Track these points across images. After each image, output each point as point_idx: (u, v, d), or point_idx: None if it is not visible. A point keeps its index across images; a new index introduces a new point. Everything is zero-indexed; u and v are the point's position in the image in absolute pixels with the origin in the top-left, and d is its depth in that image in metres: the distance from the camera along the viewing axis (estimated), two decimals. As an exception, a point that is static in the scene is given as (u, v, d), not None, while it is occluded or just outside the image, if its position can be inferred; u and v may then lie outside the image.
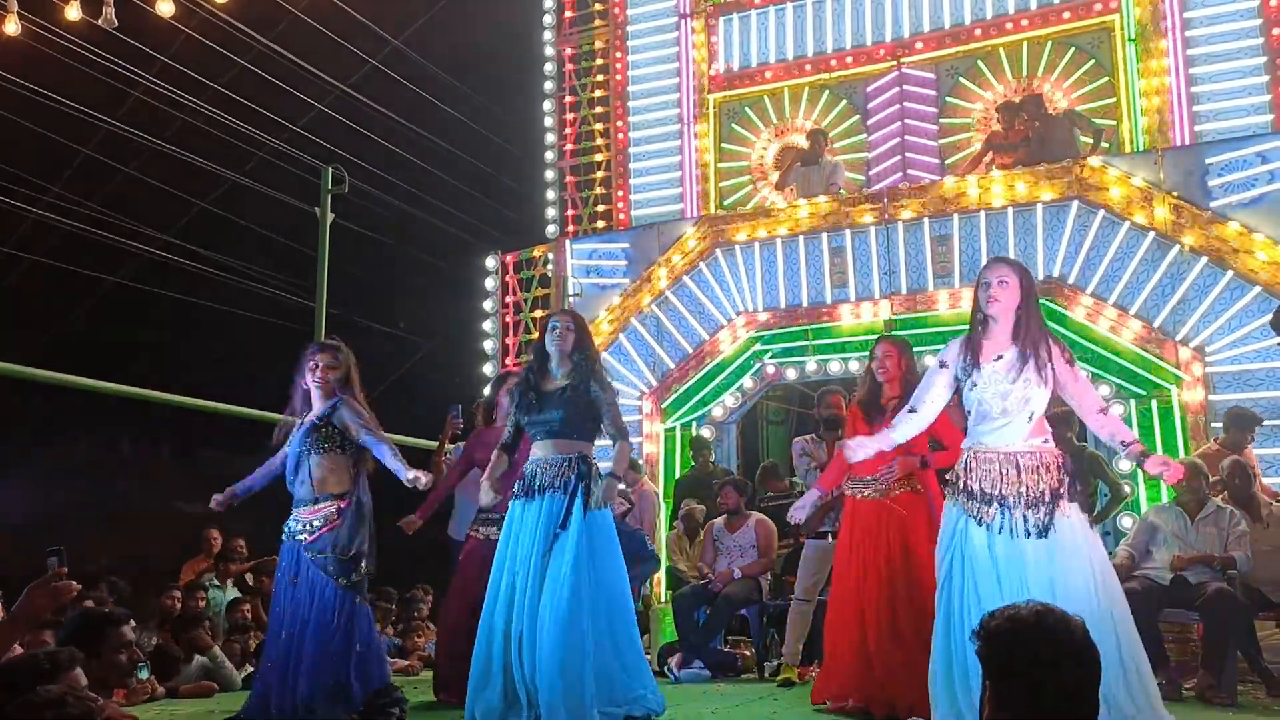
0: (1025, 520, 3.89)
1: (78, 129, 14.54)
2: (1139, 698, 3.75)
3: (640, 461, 9.07)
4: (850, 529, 5.10)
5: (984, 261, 8.45)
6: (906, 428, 4.27)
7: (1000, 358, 4.03)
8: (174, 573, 8.43)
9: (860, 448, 4.28)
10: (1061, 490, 3.93)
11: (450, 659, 5.56)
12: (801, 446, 6.65)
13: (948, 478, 4.23)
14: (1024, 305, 4.06)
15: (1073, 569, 3.83)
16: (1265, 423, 7.33)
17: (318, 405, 5.01)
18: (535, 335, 10.03)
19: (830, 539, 6.31)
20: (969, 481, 4.02)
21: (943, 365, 4.18)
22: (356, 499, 4.91)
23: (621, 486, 4.87)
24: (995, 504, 3.93)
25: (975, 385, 4.04)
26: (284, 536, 4.99)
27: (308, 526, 4.89)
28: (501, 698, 4.40)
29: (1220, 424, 7.68)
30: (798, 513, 5.27)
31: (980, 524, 3.94)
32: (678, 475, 9.34)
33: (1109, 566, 3.99)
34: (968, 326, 4.23)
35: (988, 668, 2.21)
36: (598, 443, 4.81)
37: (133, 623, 4.52)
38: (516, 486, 4.72)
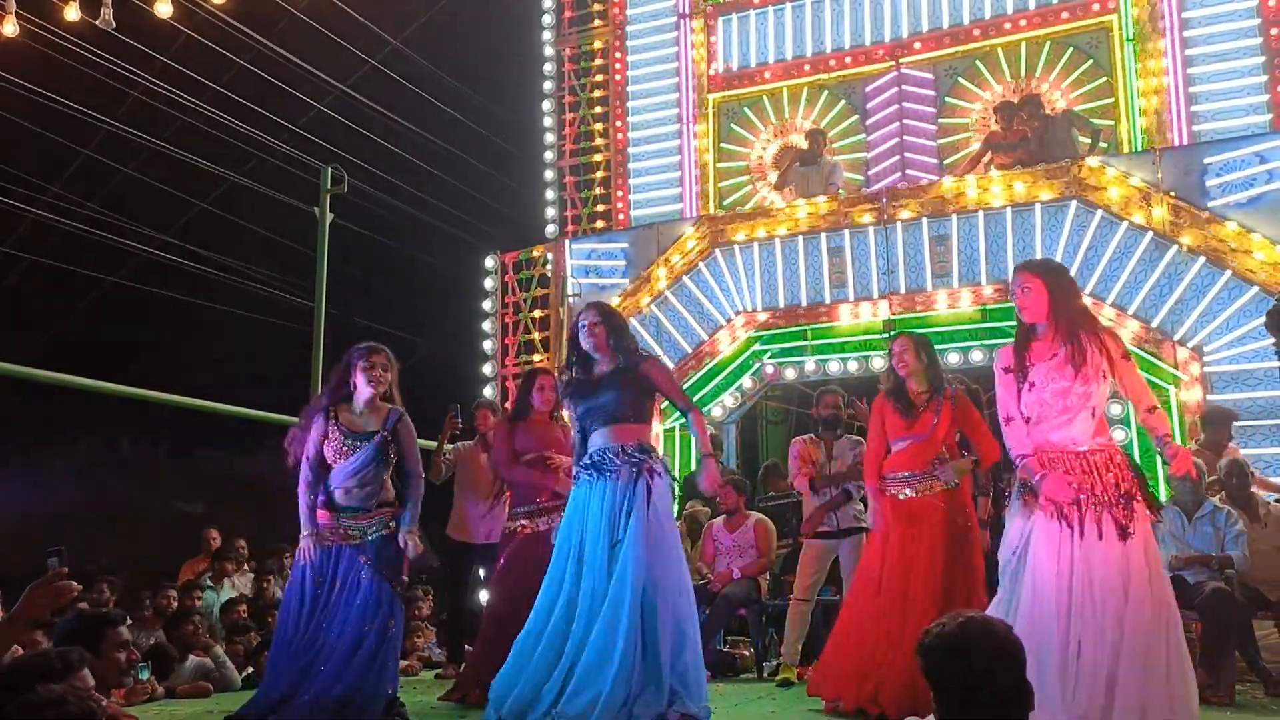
0: (1106, 521, 3.87)
1: (77, 129, 14.55)
2: (1179, 709, 3.70)
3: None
4: (892, 528, 5.04)
5: (982, 262, 8.56)
6: (1014, 438, 4.18)
7: (1055, 356, 4.04)
8: (173, 573, 8.44)
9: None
10: (1135, 491, 3.93)
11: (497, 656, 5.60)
12: (798, 450, 6.55)
13: (1017, 482, 4.18)
14: (1058, 305, 4.08)
15: (1139, 572, 3.82)
16: (1263, 422, 7.35)
17: (368, 410, 4.94)
18: (534, 335, 10.13)
19: (826, 539, 6.35)
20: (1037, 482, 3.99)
21: (1007, 370, 4.18)
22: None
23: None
24: (1075, 504, 3.91)
25: (1033, 386, 4.05)
26: (319, 539, 4.87)
27: (364, 532, 4.86)
28: (534, 686, 4.30)
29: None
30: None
31: (1060, 525, 3.91)
32: (677, 474, 9.35)
33: (1163, 571, 3.99)
34: (985, 327, 4.28)
35: (930, 681, 2.41)
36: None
37: (129, 621, 4.52)
38: (580, 469, 4.62)
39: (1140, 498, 3.94)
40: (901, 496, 5.06)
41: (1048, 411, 4.02)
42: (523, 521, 5.71)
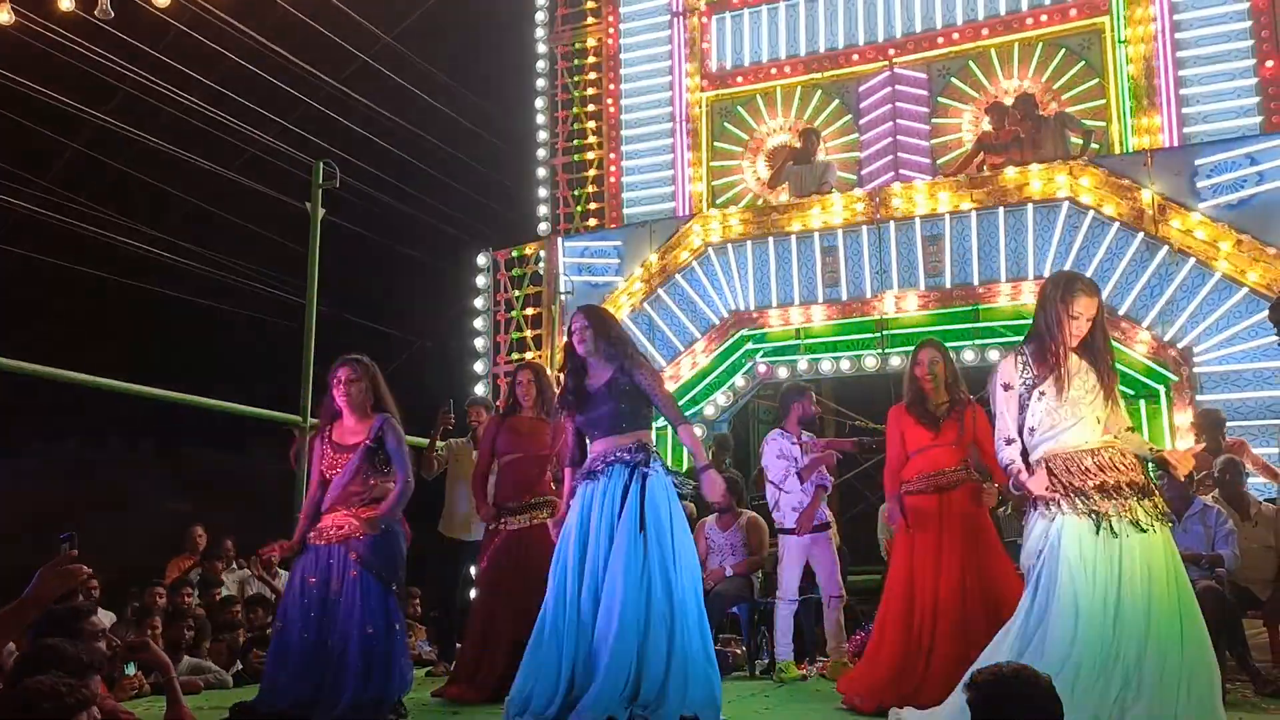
0: (1138, 511, 3.90)
1: (66, 123, 14.47)
2: (1200, 707, 3.70)
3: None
4: (915, 534, 5.06)
5: (975, 262, 8.57)
6: (1009, 454, 4.18)
7: (1068, 363, 4.06)
8: (158, 570, 8.39)
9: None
10: (1150, 486, 3.98)
11: (474, 650, 5.59)
12: (780, 448, 6.51)
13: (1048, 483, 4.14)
14: (1101, 326, 4.13)
15: (1161, 568, 3.85)
16: (1252, 423, 7.39)
17: (352, 423, 5.02)
18: (526, 333, 10.11)
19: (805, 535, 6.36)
20: (1074, 480, 3.99)
21: (1007, 388, 4.17)
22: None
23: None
24: (1095, 500, 3.93)
25: (1043, 395, 4.06)
26: (314, 541, 4.93)
27: (355, 530, 4.89)
28: (548, 691, 4.26)
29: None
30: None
31: (1092, 520, 3.92)
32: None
33: (1184, 572, 3.97)
34: (1024, 337, 4.25)
35: (976, 713, 2.69)
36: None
37: (101, 610, 4.50)
38: (580, 477, 4.60)
39: (1158, 495, 3.99)
40: (923, 496, 5.06)
41: (1059, 420, 4.04)
42: (504, 517, 5.73)
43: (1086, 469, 3.99)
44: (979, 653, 4.06)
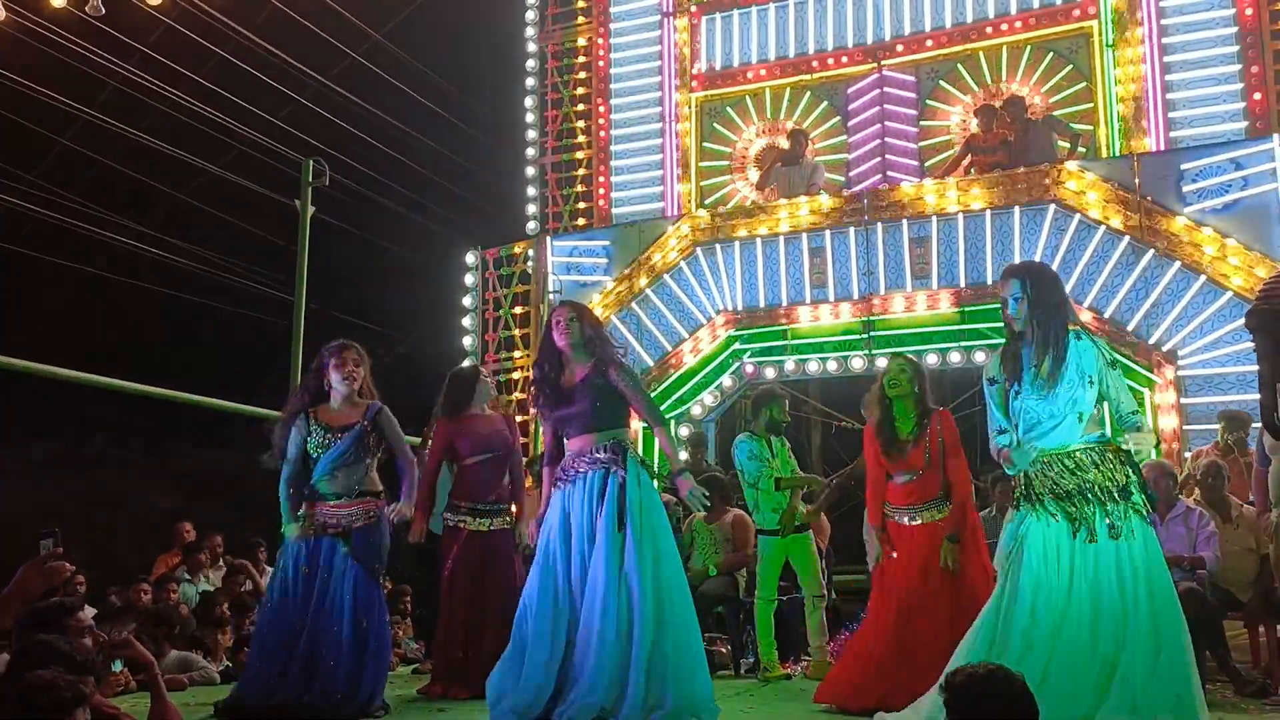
0: (1101, 517, 3.88)
1: (54, 118, 14.42)
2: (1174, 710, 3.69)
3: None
4: (899, 547, 5.04)
5: (961, 264, 8.62)
6: (1000, 442, 4.19)
7: (1040, 364, 4.04)
8: (145, 567, 8.37)
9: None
10: (1129, 486, 3.93)
11: (454, 650, 5.60)
12: (750, 449, 6.45)
13: (1012, 486, 4.20)
14: (1037, 312, 4.08)
15: (1137, 573, 3.83)
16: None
17: (345, 405, 5.00)
18: (514, 332, 10.11)
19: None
20: (1037, 486, 4.02)
21: (992, 382, 4.19)
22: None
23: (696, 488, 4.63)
24: (1069, 503, 3.93)
25: (1019, 394, 4.07)
26: (300, 531, 4.91)
27: (345, 521, 4.91)
28: (534, 689, 4.24)
29: (1191, 427, 7.80)
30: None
31: (1052, 525, 3.93)
32: (656, 472, 9.37)
33: (1166, 572, 3.93)
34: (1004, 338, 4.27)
35: (951, 714, 2.69)
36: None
37: (87, 607, 4.50)
38: (556, 478, 4.58)
39: (1138, 493, 3.93)
40: (904, 522, 5.05)
41: (1039, 418, 4.04)
42: (464, 517, 5.70)
43: (1054, 474, 3.98)
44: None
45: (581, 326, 4.58)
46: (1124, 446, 4.02)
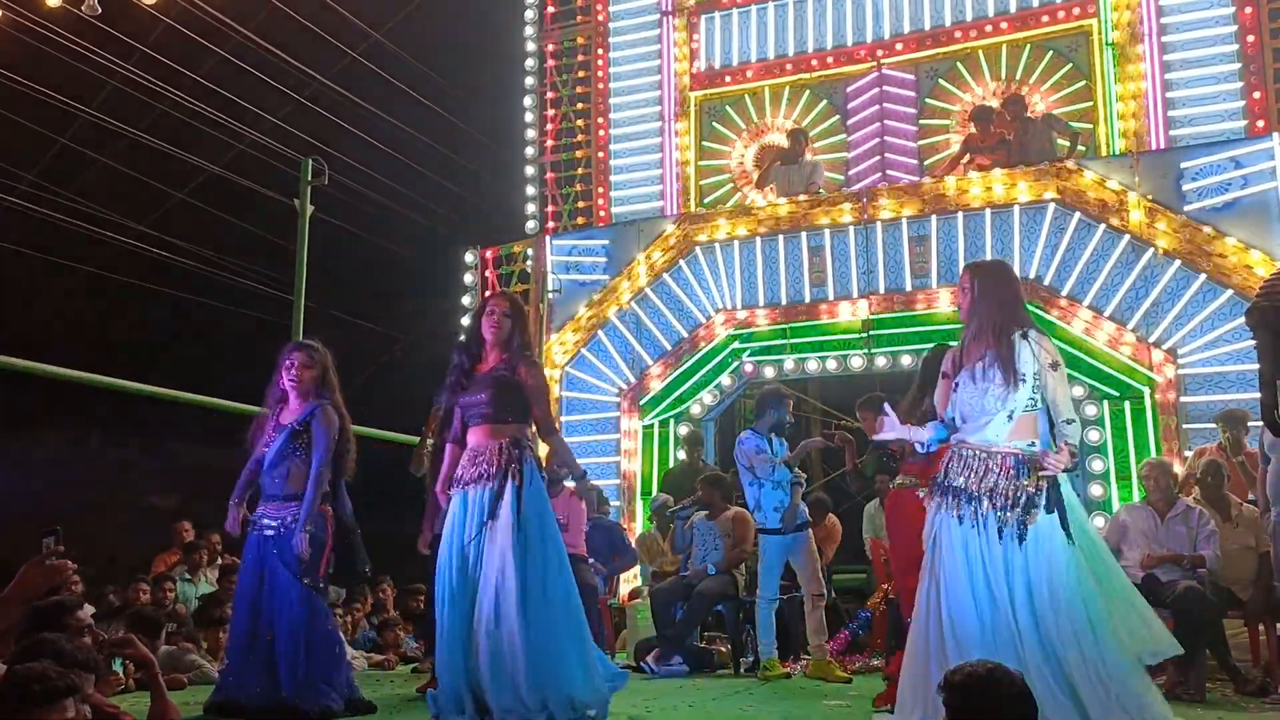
0: (1001, 520, 3.90)
1: (54, 117, 14.40)
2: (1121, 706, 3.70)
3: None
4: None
5: (961, 262, 8.60)
6: (926, 432, 4.23)
7: (983, 358, 4.06)
8: (144, 566, 8.37)
9: (892, 429, 4.21)
10: (1038, 496, 3.91)
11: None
12: (757, 445, 6.48)
13: (934, 476, 4.24)
14: (980, 306, 4.10)
15: (1041, 581, 3.83)
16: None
17: (295, 406, 5.08)
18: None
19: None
20: (950, 479, 4.05)
21: (944, 376, 4.22)
22: (332, 508, 5.04)
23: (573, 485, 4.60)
24: (973, 501, 3.96)
25: (958, 386, 4.10)
26: (251, 530, 5.03)
27: (277, 523, 4.95)
28: (451, 697, 4.31)
29: (1190, 426, 7.79)
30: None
31: (960, 521, 3.97)
32: (655, 471, 9.38)
33: (1082, 577, 3.88)
34: (949, 327, 4.29)
35: (951, 713, 2.71)
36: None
37: (87, 606, 4.52)
38: (455, 478, 4.59)
39: (1046, 505, 3.90)
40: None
41: (967, 412, 4.06)
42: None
43: (970, 471, 3.99)
44: None
45: (511, 325, 4.61)
46: (1046, 460, 3.93)
